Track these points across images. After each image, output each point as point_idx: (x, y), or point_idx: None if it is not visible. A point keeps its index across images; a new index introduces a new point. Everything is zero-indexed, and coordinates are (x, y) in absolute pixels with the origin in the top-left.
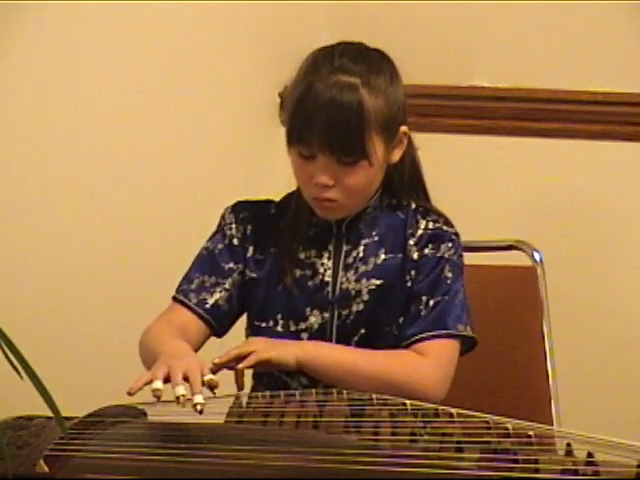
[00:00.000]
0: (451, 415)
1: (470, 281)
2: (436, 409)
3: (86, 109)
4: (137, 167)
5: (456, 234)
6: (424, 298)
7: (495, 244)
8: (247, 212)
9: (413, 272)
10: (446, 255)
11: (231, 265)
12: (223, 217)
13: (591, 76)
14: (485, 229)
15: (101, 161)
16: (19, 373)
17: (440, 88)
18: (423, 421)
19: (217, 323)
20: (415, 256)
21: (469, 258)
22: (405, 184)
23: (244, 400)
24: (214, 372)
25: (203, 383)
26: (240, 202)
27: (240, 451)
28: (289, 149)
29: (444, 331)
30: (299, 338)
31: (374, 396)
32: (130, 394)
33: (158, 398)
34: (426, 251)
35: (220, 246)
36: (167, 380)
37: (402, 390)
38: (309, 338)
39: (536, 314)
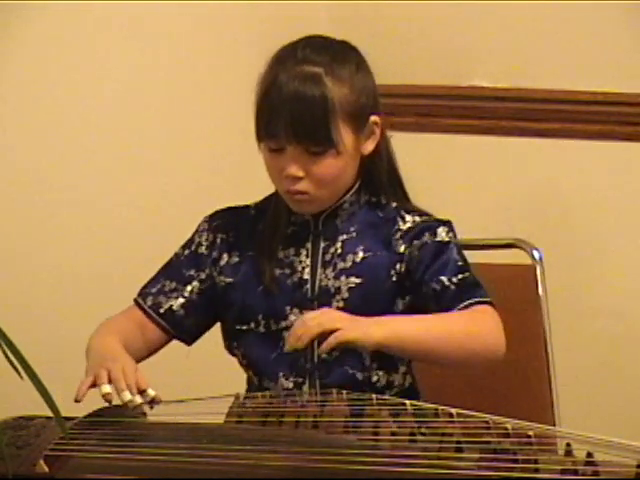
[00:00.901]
0: (451, 415)
1: None
2: (436, 409)
3: (86, 110)
4: (135, 167)
5: (449, 222)
6: (443, 278)
7: (495, 242)
8: (223, 220)
9: (398, 266)
10: (446, 239)
11: (192, 272)
12: (199, 225)
13: (591, 76)
14: (485, 228)
15: (101, 161)
16: (19, 373)
17: (440, 88)
18: (423, 421)
19: (173, 328)
20: (402, 249)
21: (469, 256)
22: (384, 181)
23: (244, 400)
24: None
25: (141, 391)
26: (218, 210)
27: (240, 451)
28: (260, 145)
29: (482, 298)
30: (280, 337)
31: (374, 396)
32: (78, 401)
33: (110, 402)
34: (424, 239)
35: (186, 252)
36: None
37: (477, 343)
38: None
39: (536, 312)
